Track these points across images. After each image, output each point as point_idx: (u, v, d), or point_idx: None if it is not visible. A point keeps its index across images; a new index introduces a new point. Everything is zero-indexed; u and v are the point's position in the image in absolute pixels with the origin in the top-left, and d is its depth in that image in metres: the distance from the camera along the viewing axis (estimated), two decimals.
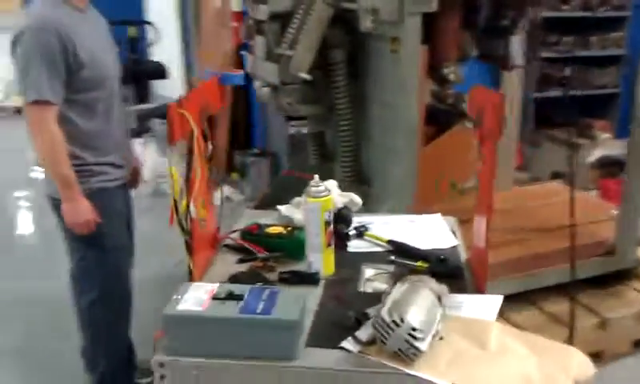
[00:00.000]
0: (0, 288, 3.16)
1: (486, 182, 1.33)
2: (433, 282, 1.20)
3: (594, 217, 2.70)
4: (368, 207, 2.32)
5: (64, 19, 1.82)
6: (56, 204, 1.88)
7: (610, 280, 2.59)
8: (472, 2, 2.30)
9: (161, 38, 6.62)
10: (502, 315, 2.37)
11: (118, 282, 1.99)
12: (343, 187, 1.80)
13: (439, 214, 1.75)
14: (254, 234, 1.56)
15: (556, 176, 4.56)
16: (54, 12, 1.83)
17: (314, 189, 1.38)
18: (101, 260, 1.93)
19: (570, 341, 2.22)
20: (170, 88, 5.98)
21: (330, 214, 1.40)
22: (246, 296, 1.16)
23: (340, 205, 1.62)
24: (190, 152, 1.28)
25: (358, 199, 1.68)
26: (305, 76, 2.11)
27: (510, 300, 2.45)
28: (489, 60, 2.43)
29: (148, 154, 4.58)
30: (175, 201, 1.26)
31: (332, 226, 1.42)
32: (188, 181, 1.31)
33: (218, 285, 1.20)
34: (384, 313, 1.09)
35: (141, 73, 5.65)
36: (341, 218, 1.60)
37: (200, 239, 1.38)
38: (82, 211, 1.81)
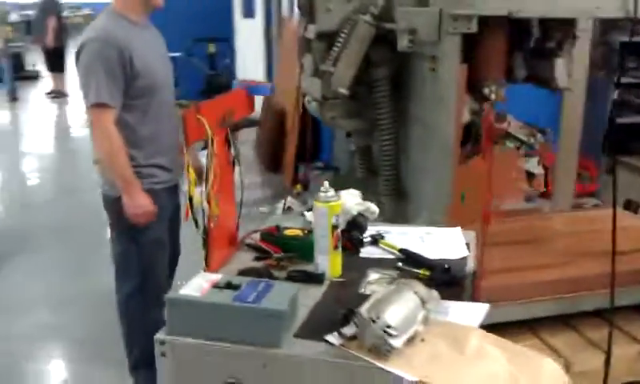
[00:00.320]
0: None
1: (483, 194, 1.37)
2: (420, 287, 1.25)
3: None
4: (405, 221, 2.39)
5: (123, 32, 2.03)
6: (107, 200, 2.07)
7: None
8: (519, 23, 2.32)
9: (234, 55, 6.95)
10: (537, 335, 2.36)
11: (153, 276, 2.15)
12: (383, 201, 1.86)
13: (459, 228, 1.78)
14: (273, 235, 1.67)
15: (628, 205, 4.40)
16: (114, 26, 2.04)
17: (323, 194, 1.46)
18: (140, 254, 2.10)
19: (606, 367, 2.17)
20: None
21: (337, 218, 1.48)
22: (242, 286, 1.26)
23: (355, 212, 1.69)
24: (210, 154, 1.40)
25: (374, 208, 1.75)
26: (344, 91, 2.21)
27: (546, 322, 2.43)
28: (536, 81, 2.42)
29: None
30: (190, 198, 1.38)
31: (339, 229, 1.50)
32: (206, 180, 1.44)
33: (221, 276, 1.31)
34: (363, 309, 1.16)
35: (216, 86, 5.96)
36: (356, 224, 1.67)
37: (216, 236, 1.50)
38: (142, 202, 1.99)
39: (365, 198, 1.82)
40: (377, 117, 2.41)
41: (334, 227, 1.48)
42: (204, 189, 1.41)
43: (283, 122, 5.75)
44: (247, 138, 5.59)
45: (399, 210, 2.51)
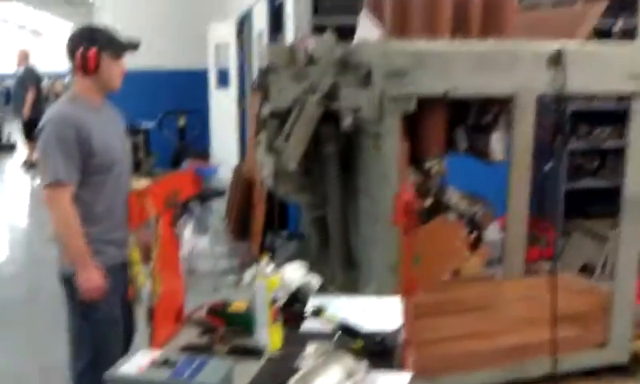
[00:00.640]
0: None
1: (406, 265, 1.46)
2: (348, 359, 1.33)
3: (590, 307, 2.72)
4: (356, 290, 2.47)
5: (80, 114, 2.14)
6: (63, 275, 2.13)
7: (605, 373, 2.58)
8: (458, 101, 2.47)
9: (206, 126, 7.13)
10: None
11: (107, 353, 2.17)
12: (333, 271, 1.94)
13: (398, 297, 1.87)
14: (218, 310, 1.73)
15: (584, 269, 4.52)
16: (72, 108, 2.16)
17: (262, 269, 1.55)
18: (93, 331, 2.14)
19: None
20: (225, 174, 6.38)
21: (276, 293, 1.56)
22: (178, 363, 1.32)
23: (297, 286, 1.77)
24: (155, 234, 1.49)
25: (315, 282, 1.83)
26: (293, 167, 2.32)
27: None
28: (476, 153, 2.57)
29: (185, 234, 4.88)
30: (134, 277, 1.45)
31: (279, 303, 1.58)
32: (150, 259, 1.51)
33: (159, 353, 1.37)
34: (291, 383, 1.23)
35: (185, 157, 6.09)
36: (297, 298, 1.75)
37: (160, 312, 1.56)
38: (94, 278, 2.05)
39: (318, 268, 1.91)
40: (327, 191, 2.52)
41: (273, 302, 1.56)
42: (149, 267, 1.48)
43: (252, 192, 5.86)
44: (217, 208, 5.67)
45: (350, 280, 2.59)
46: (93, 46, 2.22)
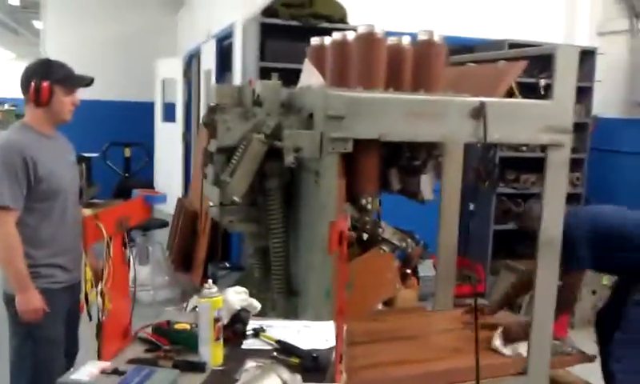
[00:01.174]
0: None
1: (339, 292, 1.64)
2: (284, 371, 1.49)
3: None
4: (296, 316, 2.62)
5: (28, 141, 2.26)
6: (6, 296, 2.20)
7: None
8: (390, 144, 2.70)
9: (151, 158, 7.24)
10: None
11: (48, 374, 2.25)
12: (274, 298, 2.07)
13: (332, 322, 2.04)
14: (163, 329, 1.86)
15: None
16: (21, 136, 2.28)
17: (206, 290, 1.70)
18: (34, 352, 2.22)
19: None
20: (168, 206, 6.42)
21: (219, 312, 1.71)
22: (127, 372, 1.45)
23: (238, 307, 1.91)
24: (105, 255, 1.62)
25: (256, 304, 1.98)
26: (237, 200, 2.48)
27: None
28: (407, 194, 2.80)
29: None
30: (86, 293, 1.57)
31: (221, 323, 1.72)
32: (101, 278, 1.64)
33: (109, 363, 1.49)
34: None
35: (128, 188, 6.13)
36: (238, 318, 1.90)
37: (108, 329, 1.68)
38: (33, 301, 2.14)
39: (260, 296, 2.05)
40: (269, 222, 2.68)
41: (216, 320, 1.70)
42: (99, 286, 1.61)
43: (195, 223, 5.96)
44: (160, 239, 5.73)
45: (290, 306, 2.74)
46: (47, 79, 2.36)
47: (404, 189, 2.82)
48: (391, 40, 2.82)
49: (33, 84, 2.38)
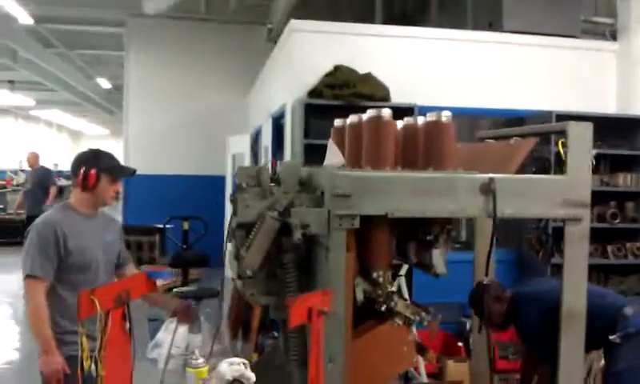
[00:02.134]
0: None
1: (313, 366, 1.73)
2: None
3: None
4: None
5: (63, 218, 2.55)
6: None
7: None
8: (408, 219, 2.79)
9: (204, 233, 7.63)
10: None
11: None
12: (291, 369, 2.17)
13: None
14: None
15: None
16: (57, 214, 2.58)
17: (192, 361, 1.84)
18: None
19: None
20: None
21: (205, 382, 1.83)
22: None
23: (230, 378, 2.03)
24: (101, 327, 1.80)
25: (250, 375, 2.09)
26: (249, 274, 2.63)
27: None
28: (422, 267, 2.85)
29: (180, 332, 5.12)
30: (82, 361, 1.75)
31: None
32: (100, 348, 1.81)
33: None
34: None
35: (186, 260, 6.44)
36: None
37: None
38: (54, 362, 2.35)
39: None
40: (286, 294, 2.81)
41: None
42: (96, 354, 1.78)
43: None
44: (211, 309, 5.96)
45: (305, 377, 2.82)
46: (95, 167, 2.66)
47: (419, 262, 2.88)
48: (407, 120, 2.96)
49: (82, 170, 2.69)
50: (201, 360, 1.82)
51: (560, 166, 5.10)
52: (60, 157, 38.69)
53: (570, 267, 2.81)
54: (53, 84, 19.01)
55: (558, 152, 5.17)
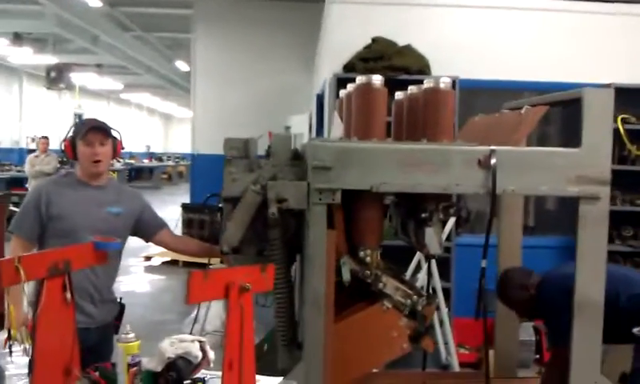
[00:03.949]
0: None
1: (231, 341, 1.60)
2: None
3: None
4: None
5: (56, 184, 2.60)
6: None
7: None
8: (409, 195, 2.59)
9: None
10: None
11: None
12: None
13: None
14: (105, 371, 1.95)
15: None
16: (53, 180, 2.64)
17: (123, 336, 1.76)
18: None
19: None
20: None
21: (133, 358, 1.75)
22: None
23: (172, 355, 1.94)
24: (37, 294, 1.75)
25: (196, 352, 1.99)
26: (226, 249, 2.53)
27: None
28: (417, 246, 2.65)
29: (214, 309, 5.15)
30: (9, 331, 1.72)
31: (137, 367, 1.77)
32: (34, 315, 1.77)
33: None
34: None
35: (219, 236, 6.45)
36: (174, 367, 1.93)
37: (41, 366, 1.80)
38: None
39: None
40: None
41: (130, 365, 1.75)
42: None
43: None
44: None
45: (294, 361, 2.69)
46: (70, 137, 2.68)
47: (417, 242, 2.68)
48: (411, 89, 2.76)
49: (64, 143, 2.72)
50: (131, 335, 1.74)
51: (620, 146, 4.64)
52: (152, 139, 40.39)
53: (585, 252, 2.52)
54: (136, 67, 19.73)
55: (617, 129, 4.72)
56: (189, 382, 1.93)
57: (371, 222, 2.57)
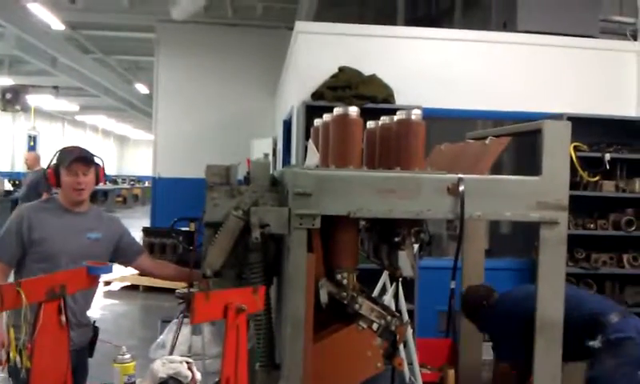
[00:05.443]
0: None
1: (227, 361, 1.70)
2: None
3: None
4: None
5: (38, 210, 2.64)
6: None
7: None
8: (377, 221, 2.74)
9: None
10: None
11: None
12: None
13: None
14: None
15: None
16: (35, 205, 2.68)
17: (119, 357, 1.83)
18: None
19: None
20: None
21: (129, 378, 1.83)
22: None
23: (164, 375, 2.02)
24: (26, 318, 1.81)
25: (186, 373, 2.08)
26: (209, 274, 2.62)
27: None
28: (390, 269, 2.79)
29: (182, 334, 5.16)
30: (8, 353, 1.77)
31: None
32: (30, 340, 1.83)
33: None
34: None
35: (187, 260, 6.49)
36: None
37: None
38: None
39: None
40: None
41: None
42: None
43: None
44: None
45: (271, 380, 2.79)
46: (55, 165, 2.74)
47: (390, 265, 2.82)
48: (383, 119, 2.92)
49: (48, 170, 2.77)
50: (127, 356, 1.81)
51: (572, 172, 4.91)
52: (107, 162, 39.74)
53: (546, 274, 2.70)
54: (94, 89, 19.53)
55: (570, 157, 5.00)
56: None
57: (348, 245, 2.71)
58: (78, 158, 2.82)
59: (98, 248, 2.90)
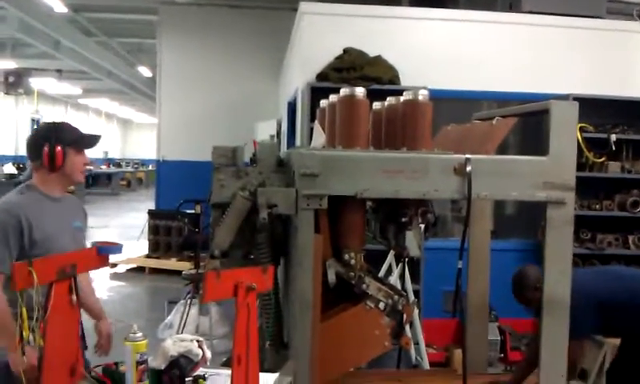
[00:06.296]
0: None
1: (239, 338, 1.72)
2: None
3: None
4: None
5: (28, 203, 2.47)
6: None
7: None
8: (390, 201, 2.74)
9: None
10: None
11: None
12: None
13: (277, 374, 2.10)
14: (110, 370, 2.04)
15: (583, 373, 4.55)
16: (23, 199, 2.50)
17: (131, 335, 1.85)
18: None
19: None
20: None
21: (141, 356, 1.85)
22: None
23: (175, 354, 2.04)
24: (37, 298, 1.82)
25: (197, 351, 2.09)
26: (217, 254, 2.63)
27: None
28: (397, 249, 2.80)
29: (190, 314, 5.20)
30: (21, 331, 1.79)
31: (145, 365, 1.86)
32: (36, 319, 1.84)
33: None
34: None
35: (193, 242, 6.52)
36: (176, 365, 2.02)
37: (49, 365, 1.88)
38: (28, 356, 2.32)
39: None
40: None
41: (139, 363, 1.85)
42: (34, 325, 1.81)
43: None
44: None
45: (281, 359, 2.81)
46: (59, 143, 2.58)
47: (396, 245, 2.83)
48: (389, 100, 2.91)
49: (46, 149, 2.56)
50: (139, 334, 1.83)
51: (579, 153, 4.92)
52: (110, 145, 39.75)
53: (552, 254, 2.71)
54: (97, 72, 19.49)
55: (576, 138, 5.01)
56: (191, 379, 2.03)
57: (355, 226, 2.72)
58: (85, 136, 2.70)
59: (81, 236, 2.75)
